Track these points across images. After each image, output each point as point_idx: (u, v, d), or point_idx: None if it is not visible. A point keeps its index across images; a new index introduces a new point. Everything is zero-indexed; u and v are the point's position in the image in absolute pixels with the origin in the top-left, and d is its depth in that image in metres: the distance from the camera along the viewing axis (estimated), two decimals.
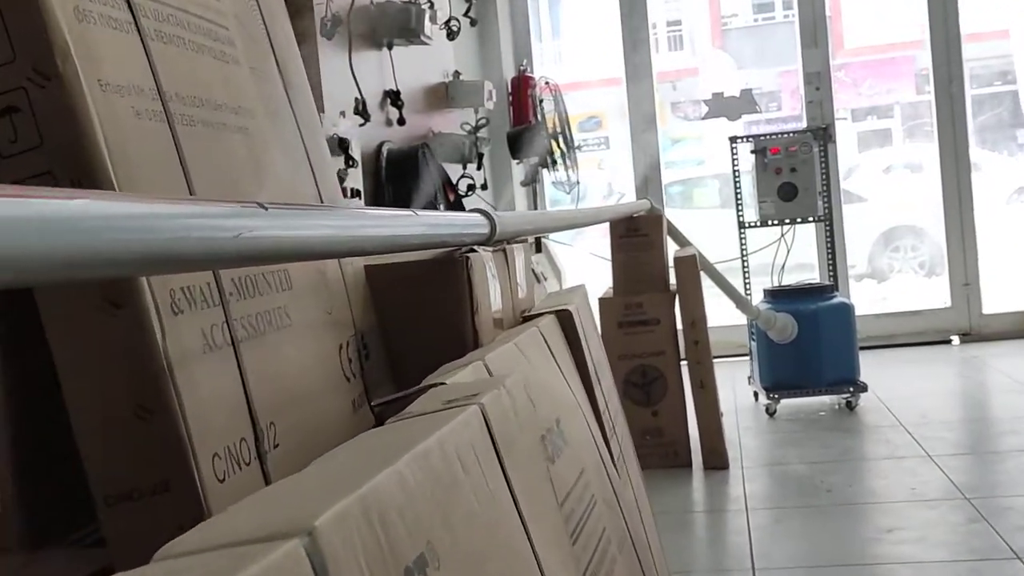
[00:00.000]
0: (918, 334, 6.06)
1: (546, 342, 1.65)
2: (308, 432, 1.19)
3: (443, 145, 4.38)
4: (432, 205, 3.83)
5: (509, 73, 5.79)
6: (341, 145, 2.73)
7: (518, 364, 1.40)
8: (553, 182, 5.19)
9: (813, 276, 5.79)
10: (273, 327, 1.17)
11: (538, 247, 5.00)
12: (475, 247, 1.73)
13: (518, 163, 5.20)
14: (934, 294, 6.58)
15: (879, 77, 10.64)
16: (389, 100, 3.93)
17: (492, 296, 1.74)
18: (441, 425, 0.81)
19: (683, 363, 3.86)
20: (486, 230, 1.79)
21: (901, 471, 3.54)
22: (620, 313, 3.87)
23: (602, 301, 3.89)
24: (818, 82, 5.97)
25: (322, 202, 1.47)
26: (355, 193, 2.84)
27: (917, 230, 8.82)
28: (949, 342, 6.05)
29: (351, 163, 2.76)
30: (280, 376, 1.16)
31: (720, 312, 5.63)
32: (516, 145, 5.00)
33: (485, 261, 1.73)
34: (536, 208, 5.37)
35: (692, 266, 3.79)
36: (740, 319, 4.85)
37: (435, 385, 1.08)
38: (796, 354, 4.52)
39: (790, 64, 7.07)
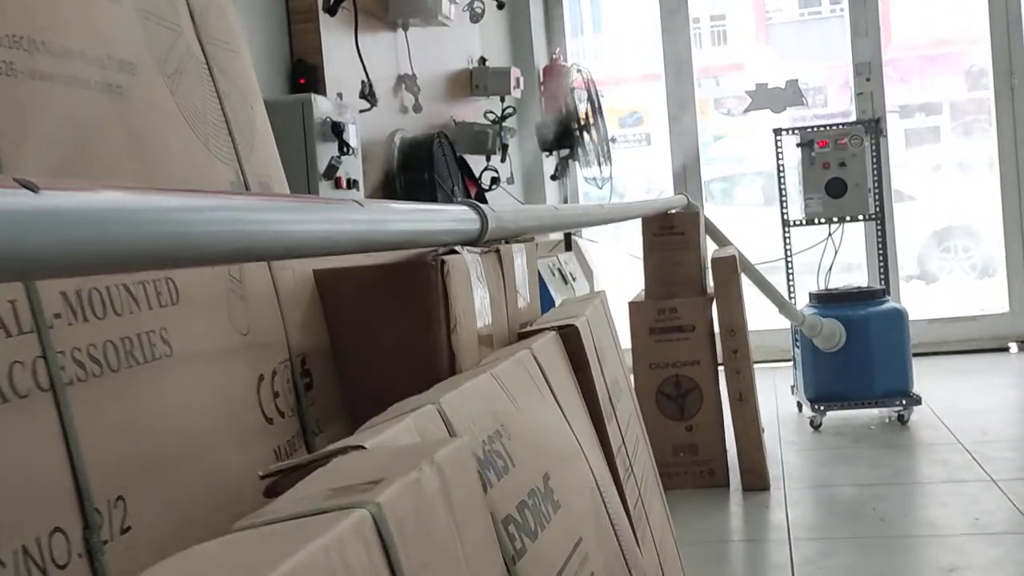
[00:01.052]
0: (973, 341, 5.64)
1: (541, 369, 1.30)
2: (185, 504, 0.85)
3: (464, 135, 4.04)
4: (448, 199, 3.48)
5: (541, 61, 5.44)
6: (335, 130, 2.40)
7: (494, 404, 1.05)
8: (585, 177, 4.84)
9: (860, 278, 5.40)
10: (137, 359, 0.83)
11: (568, 245, 4.65)
12: (458, 248, 1.39)
13: (547, 156, 4.85)
14: (989, 298, 6.16)
15: (928, 73, 10.22)
16: (404, 85, 3.59)
17: (478, 308, 1.40)
18: (283, 556, 0.47)
19: (720, 370, 3.50)
20: (475, 227, 1.45)
21: (962, 498, 3.16)
22: (652, 318, 3.51)
23: (632, 305, 3.54)
24: (868, 73, 5.57)
25: (247, 188, 1.13)
26: (351, 183, 2.51)
27: (970, 231, 8.37)
28: (1006, 350, 5.63)
29: (346, 150, 2.43)
30: (144, 428, 0.83)
31: (762, 315, 5.26)
32: (544, 137, 4.65)
33: (469, 265, 1.38)
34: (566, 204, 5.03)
35: (731, 268, 3.42)
36: (783, 323, 4.48)
37: (342, 451, 0.73)
38: (844, 363, 4.14)
39: (837, 59, 6.77)
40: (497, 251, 1.54)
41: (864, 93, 5.55)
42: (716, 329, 3.49)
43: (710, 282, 3.57)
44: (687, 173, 5.70)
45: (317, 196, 2.34)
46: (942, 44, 9.52)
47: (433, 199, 3.33)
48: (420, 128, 3.67)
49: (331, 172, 2.40)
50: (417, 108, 3.63)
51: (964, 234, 8.52)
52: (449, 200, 3.50)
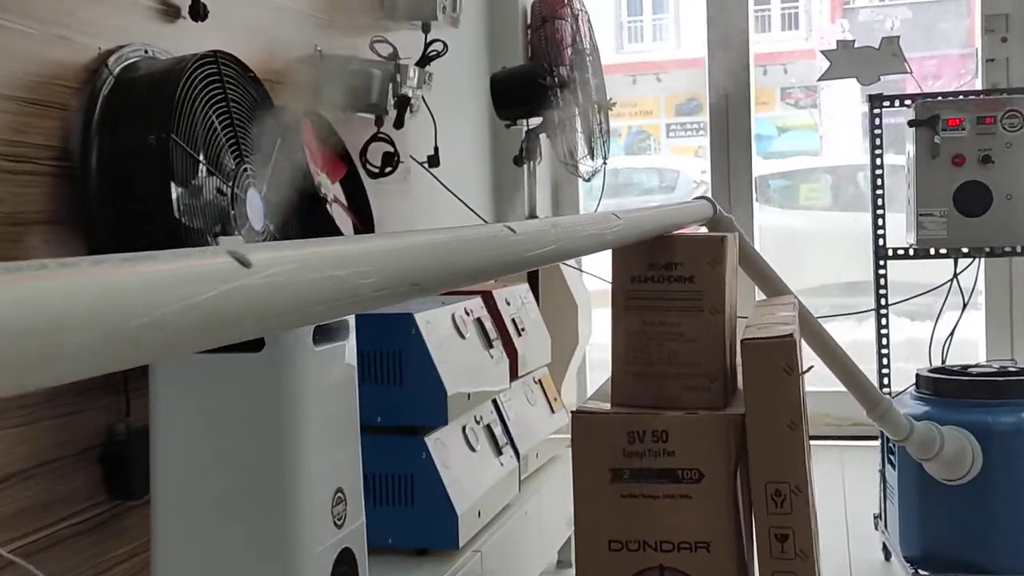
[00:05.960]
0: None
1: None
2: None
3: (332, 77, 2.19)
4: (218, 193, 1.63)
5: None
6: None
7: None
8: (562, 160, 2.91)
9: (975, 344, 3.42)
10: None
11: (532, 282, 2.79)
12: None
13: (508, 126, 2.94)
14: None
15: None
16: None
17: None
18: None
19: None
20: None
21: None
22: (619, 450, 1.62)
23: (580, 421, 1.65)
24: (1005, 30, 3.59)
25: None
26: None
27: None
28: None
29: None
30: None
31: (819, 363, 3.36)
32: (505, 97, 2.76)
33: None
34: (527, 207, 3.02)
35: (784, 360, 1.52)
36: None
37: None
38: (975, 507, 2.22)
39: (928, 49, 5.79)
40: None
41: (997, 59, 3.57)
42: (751, 481, 1.59)
43: (740, 373, 1.68)
44: (730, 167, 3.78)
45: None
46: None
47: (161, 193, 1.48)
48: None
49: None
50: (198, 12, 1.78)
51: None
52: (194, 200, 1.65)
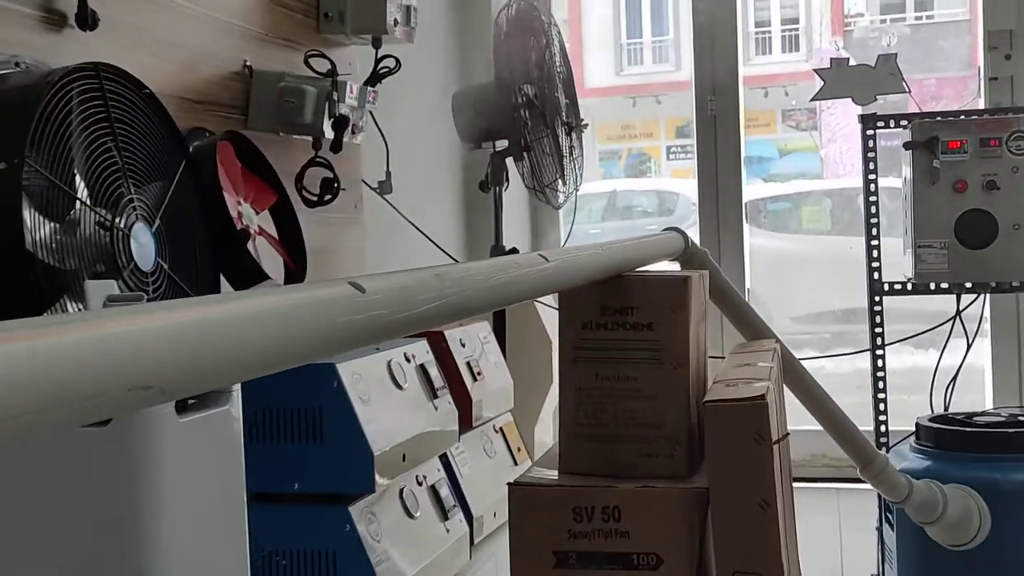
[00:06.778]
0: None
1: None
2: None
3: (264, 97, 1.95)
4: (75, 228, 1.38)
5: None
6: None
7: None
8: (529, 186, 2.65)
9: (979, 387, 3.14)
10: None
11: (498, 318, 2.54)
12: None
13: (472, 149, 2.69)
14: None
15: None
16: None
17: None
18: None
19: None
20: None
21: None
22: (565, 530, 1.36)
23: (518, 495, 1.39)
24: (1009, 47, 3.34)
25: None
26: None
27: None
28: None
29: None
30: None
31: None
32: (467, 117, 2.52)
33: None
34: (494, 237, 2.75)
35: (754, 425, 1.27)
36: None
37: None
38: (981, 573, 1.96)
39: (921, 70, 5.66)
40: None
41: (1001, 78, 3.32)
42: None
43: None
44: (719, 191, 3.54)
45: None
46: None
47: (10, 230, 1.23)
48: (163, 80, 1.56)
49: None
50: (86, 19, 1.53)
51: None
52: (69, 237, 1.40)
